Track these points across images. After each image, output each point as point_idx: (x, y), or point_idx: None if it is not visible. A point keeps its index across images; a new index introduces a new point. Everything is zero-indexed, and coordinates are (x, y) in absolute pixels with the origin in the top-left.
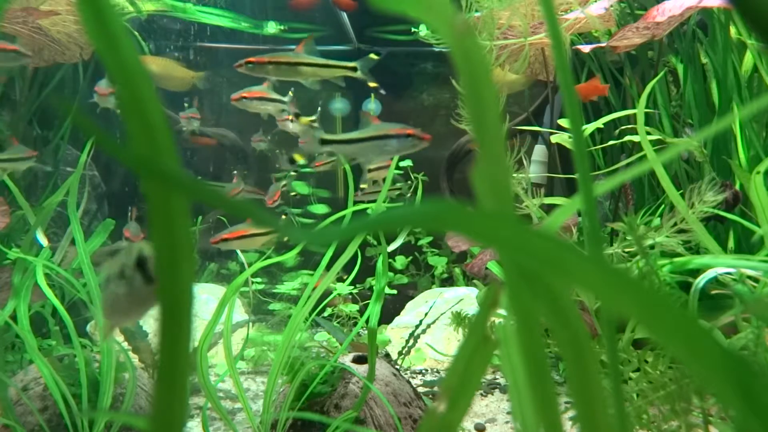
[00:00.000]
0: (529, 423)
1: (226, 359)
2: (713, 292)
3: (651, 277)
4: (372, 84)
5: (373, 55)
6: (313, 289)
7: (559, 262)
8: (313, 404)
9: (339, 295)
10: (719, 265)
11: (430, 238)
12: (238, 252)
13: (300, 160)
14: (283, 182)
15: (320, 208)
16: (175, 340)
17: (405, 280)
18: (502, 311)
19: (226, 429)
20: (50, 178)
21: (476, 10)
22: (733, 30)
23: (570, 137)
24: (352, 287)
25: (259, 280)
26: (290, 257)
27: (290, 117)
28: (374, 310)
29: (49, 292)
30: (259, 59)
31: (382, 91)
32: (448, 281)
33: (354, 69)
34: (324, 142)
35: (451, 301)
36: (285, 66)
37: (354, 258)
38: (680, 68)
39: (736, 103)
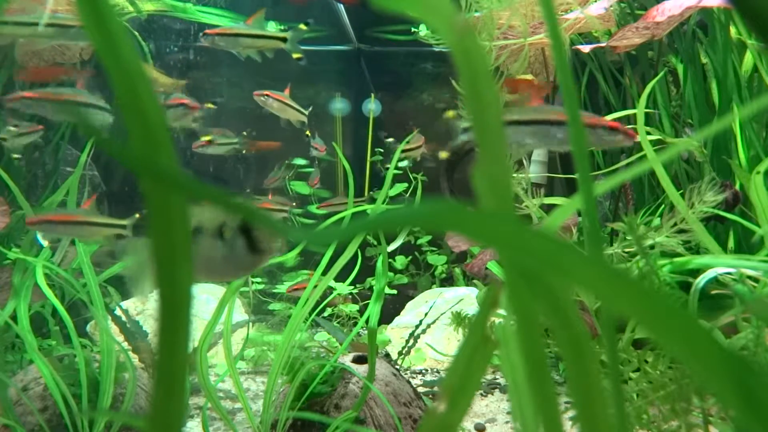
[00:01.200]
0: (529, 423)
1: (226, 359)
2: (713, 292)
3: (651, 277)
4: (296, 55)
5: (302, 26)
6: (315, 286)
7: (559, 262)
8: (313, 404)
9: (339, 294)
10: (719, 265)
11: (429, 237)
12: None
13: (444, 156)
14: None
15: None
16: (173, 340)
17: (405, 280)
18: (502, 311)
19: (226, 429)
20: (50, 178)
21: (476, 10)
22: (733, 30)
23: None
24: (352, 287)
25: (259, 280)
26: (290, 257)
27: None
28: (374, 310)
29: (49, 292)
30: (211, 30)
31: (302, 63)
32: (448, 281)
33: (284, 40)
34: (467, 129)
35: (451, 301)
36: (227, 36)
37: (354, 258)
38: (680, 68)
39: (736, 103)
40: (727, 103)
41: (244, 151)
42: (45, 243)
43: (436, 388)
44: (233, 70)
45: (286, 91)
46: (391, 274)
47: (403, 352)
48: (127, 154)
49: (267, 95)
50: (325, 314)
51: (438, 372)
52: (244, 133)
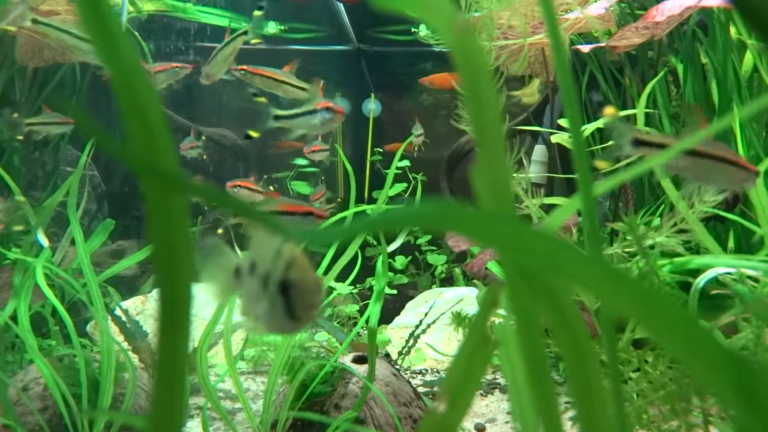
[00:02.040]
0: (529, 423)
1: (226, 359)
2: (713, 292)
3: (651, 277)
4: (255, 41)
5: (257, 12)
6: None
7: (559, 262)
8: (313, 404)
9: (339, 295)
10: (719, 265)
11: (429, 237)
12: (238, 252)
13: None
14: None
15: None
16: (173, 340)
17: (405, 280)
18: (502, 311)
19: (226, 429)
20: (50, 178)
21: (476, 10)
22: (733, 30)
23: (570, 137)
24: (352, 287)
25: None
26: None
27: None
28: (374, 310)
29: (49, 292)
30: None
31: (262, 45)
32: (448, 281)
33: (245, 33)
34: (639, 143)
35: (451, 301)
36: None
37: (354, 258)
38: (680, 68)
39: (736, 103)
40: (727, 103)
41: (204, 157)
42: (45, 243)
43: (436, 388)
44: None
45: (287, 68)
46: (391, 274)
47: (403, 352)
48: (128, 154)
49: (244, 70)
50: (325, 314)
51: (438, 372)
52: (204, 137)
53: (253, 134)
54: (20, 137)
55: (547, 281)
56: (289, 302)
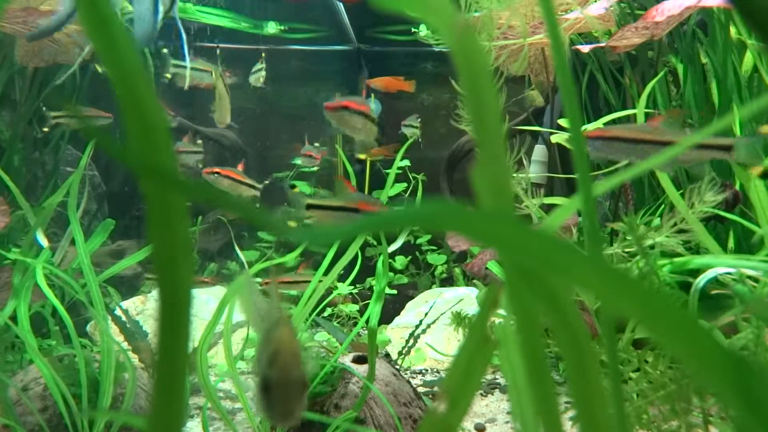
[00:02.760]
0: (529, 423)
1: (226, 359)
2: (713, 292)
3: (651, 277)
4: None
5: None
6: (320, 281)
7: (559, 262)
8: (313, 404)
9: (339, 294)
10: (719, 265)
11: (429, 236)
12: (238, 252)
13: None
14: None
15: None
16: (173, 340)
17: (405, 280)
18: (502, 311)
19: (226, 429)
20: (50, 178)
21: (476, 10)
22: (733, 30)
23: (570, 137)
24: (352, 287)
25: (259, 280)
26: (291, 258)
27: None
28: (374, 310)
29: (49, 292)
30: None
31: (263, 46)
32: (448, 281)
33: (220, 74)
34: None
35: (451, 301)
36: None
37: (354, 258)
38: (680, 68)
39: (736, 103)
40: (727, 103)
41: (200, 165)
42: (45, 243)
43: (436, 388)
44: (233, 71)
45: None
46: (391, 274)
47: (403, 352)
48: (128, 154)
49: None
50: (325, 314)
51: (438, 372)
52: (199, 141)
53: (362, 157)
54: (46, 129)
55: (547, 281)
56: (269, 401)
